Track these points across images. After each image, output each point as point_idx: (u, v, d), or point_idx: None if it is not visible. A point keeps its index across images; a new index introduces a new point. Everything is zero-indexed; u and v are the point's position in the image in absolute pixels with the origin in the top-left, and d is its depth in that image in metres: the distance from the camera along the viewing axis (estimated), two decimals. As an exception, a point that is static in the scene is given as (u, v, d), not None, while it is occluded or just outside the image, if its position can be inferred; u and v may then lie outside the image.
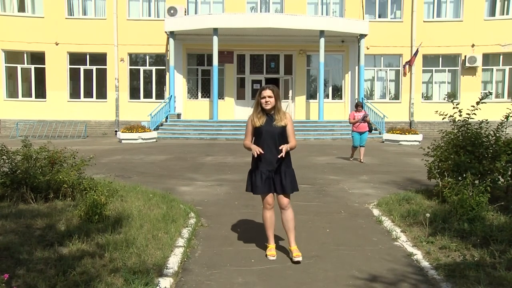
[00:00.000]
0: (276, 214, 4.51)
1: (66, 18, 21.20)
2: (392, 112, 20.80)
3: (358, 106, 11.74)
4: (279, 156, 4.19)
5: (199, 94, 21.94)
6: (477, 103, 6.42)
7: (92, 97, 21.80)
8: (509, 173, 6.35)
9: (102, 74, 21.64)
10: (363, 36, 20.04)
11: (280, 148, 4.20)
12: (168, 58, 20.85)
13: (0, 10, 21.23)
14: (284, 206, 4.38)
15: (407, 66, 21.41)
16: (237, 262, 4.30)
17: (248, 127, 4.41)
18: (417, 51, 20.92)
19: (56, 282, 3.39)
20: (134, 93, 21.92)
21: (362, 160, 11.55)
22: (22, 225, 4.87)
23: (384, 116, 19.57)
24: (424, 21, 21.38)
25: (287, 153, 4.29)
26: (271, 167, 4.30)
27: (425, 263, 4.20)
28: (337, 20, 20.11)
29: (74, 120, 20.80)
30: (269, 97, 4.28)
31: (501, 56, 21.54)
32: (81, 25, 21.12)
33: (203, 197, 7.32)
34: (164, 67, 21.70)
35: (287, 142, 4.33)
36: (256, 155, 4.19)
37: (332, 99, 21.98)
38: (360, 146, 11.60)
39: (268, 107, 4.30)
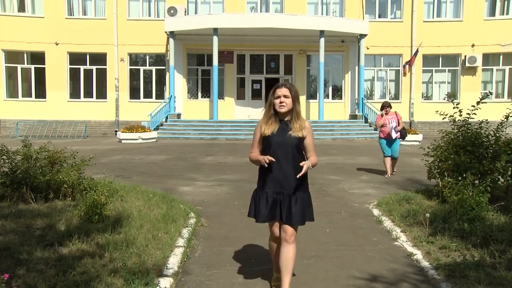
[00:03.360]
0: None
1: (66, 18, 21.18)
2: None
3: (385, 107, 9.38)
4: (298, 176, 3.33)
5: (199, 94, 21.93)
6: (477, 103, 6.43)
7: (92, 97, 21.78)
8: (509, 173, 6.35)
9: (102, 74, 21.62)
10: (363, 36, 20.02)
11: (301, 164, 3.32)
12: (168, 58, 20.83)
13: (0, 10, 21.24)
14: (288, 238, 3.42)
15: (407, 66, 21.39)
16: (237, 262, 4.29)
17: (255, 136, 3.53)
18: (417, 51, 20.91)
19: (56, 282, 3.39)
20: (134, 93, 21.91)
21: (389, 175, 9.37)
22: (22, 225, 4.88)
23: (384, 116, 19.52)
24: (424, 21, 21.37)
25: (305, 174, 3.39)
26: (280, 188, 3.41)
27: (425, 263, 4.20)
28: (337, 20, 20.10)
29: (74, 120, 20.78)
30: (285, 96, 3.41)
31: (501, 56, 21.53)
32: (81, 25, 21.10)
33: (203, 197, 7.32)
34: (164, 67, 21.69)
35: (303, 158, 3.47)
36: (266, 165, 3.32)
37: (332, 99, 21.96)
38: (393, 158, 9.42)
39: (283, 110, 3.41)
